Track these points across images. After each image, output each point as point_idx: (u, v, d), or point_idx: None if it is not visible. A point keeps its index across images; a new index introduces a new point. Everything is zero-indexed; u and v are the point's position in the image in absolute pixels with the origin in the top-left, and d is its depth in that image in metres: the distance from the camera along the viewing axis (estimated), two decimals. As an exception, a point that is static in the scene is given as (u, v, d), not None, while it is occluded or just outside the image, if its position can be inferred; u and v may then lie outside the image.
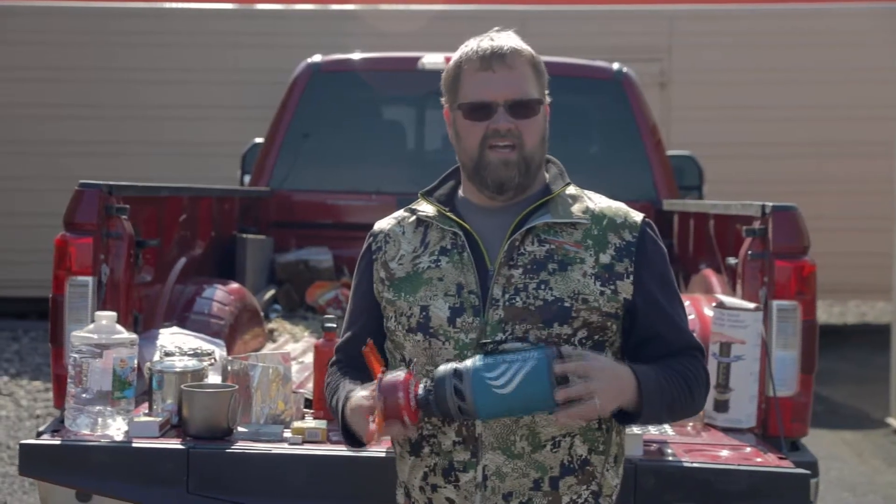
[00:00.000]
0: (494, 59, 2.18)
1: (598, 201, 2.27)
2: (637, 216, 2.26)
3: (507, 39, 2.23)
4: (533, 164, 2.22)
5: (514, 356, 2.03)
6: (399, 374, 2.07)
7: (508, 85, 2.18)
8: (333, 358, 2.40)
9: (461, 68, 2.22)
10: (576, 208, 2.23)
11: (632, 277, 2.19)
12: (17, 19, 10.03)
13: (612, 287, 2.17)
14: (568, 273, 2.16)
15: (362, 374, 2.27)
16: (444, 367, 2.06)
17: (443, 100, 2.29)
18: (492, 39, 2.22)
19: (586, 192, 2.30)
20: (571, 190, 2.27)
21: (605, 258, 2.19)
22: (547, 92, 2.26)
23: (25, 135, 9.93)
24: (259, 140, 6.21)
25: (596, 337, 2.18)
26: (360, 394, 2.15)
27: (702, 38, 9.93)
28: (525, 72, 2.21)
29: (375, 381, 2.08)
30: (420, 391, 2.05)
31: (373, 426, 2.05)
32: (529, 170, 2.21)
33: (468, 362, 2.04)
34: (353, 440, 2.22)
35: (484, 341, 2.09)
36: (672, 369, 2.17)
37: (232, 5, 10.33)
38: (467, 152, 2.22)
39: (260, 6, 10.34)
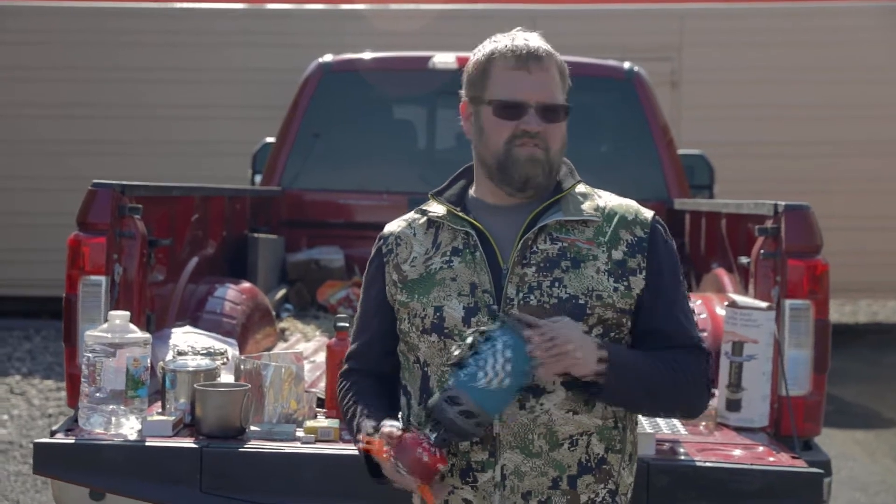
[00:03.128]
0: (532, 60, 2.17)
1: (608, 199, 2.28)
2: (647, 213, 2.27)
3: (539, 41, 2.22)
4: (555, 168, 2.22)
5: (483, 351, 2.03)
6: (406, 436, 2.05)
7: (542, 87, 2.18)
8: (345, 366, 2.37)
9: (493, 63, 2.20)
10: (587, 206, 2.23)
11: (644, 273, 2.19)
12: (25, 19, 10.05)
13: (626, 283, 2.18)
14: (581, 270, 2.16)
15: (377, 386, 2.28)
16: (435, 403, 2.05)
17: (462, 91, 2.26)
18: (526, 39, 2.20)
19: (596, 189, 2.30)
20: (581, 188, 2.27)
21: (617, 255, 2.19)
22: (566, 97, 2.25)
23: (33, 134, 9.94)
24: (270, 139, 6.22)
25: (612, 334, 2.17)
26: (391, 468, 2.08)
27: (713, 37, 9.91)
28: (555, 76, 2.20)
29: (388, 462, 2.06)
30: (432, 437, 2.05)
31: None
32: (552, 172, 2.22)
33: (450, 384, 2.04)
34: (378, 475, 2.17)
35: (452, 360, 2.07)
36: (657, 355, 2.16)
37: (240, 5, 10.34)
38: (491, 149, 2.21)
39: (268, 6, 10.35)
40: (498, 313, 2.13)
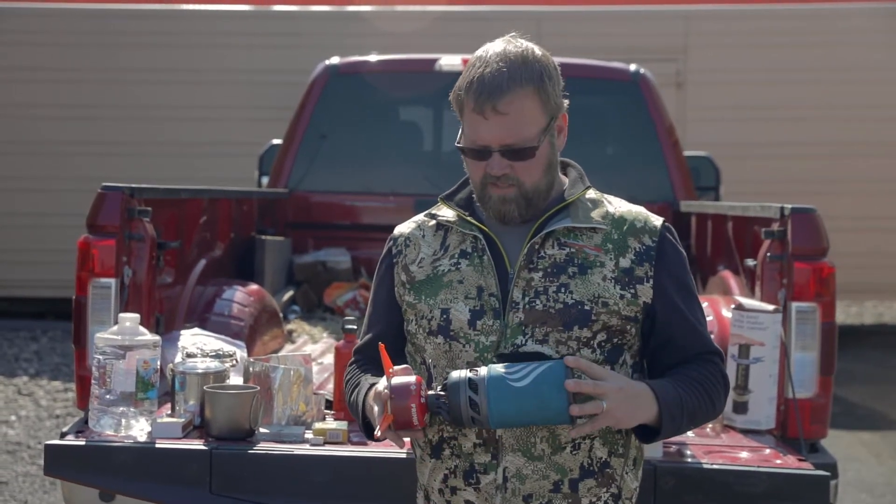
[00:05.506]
0: (487, 105, 2.12)
1: (617, 205, 2.27)
2: (657, 221, 2.26)
3: (508, 67, 2.13)
4: (537, 196, 2.20)
5: (531, 362, 2.06)
6: (410, 377, 2.08)
7: (502, 130, 2.13)
8: (352, 359, 2.41)
9: (463, 100, 2.17)
10: (596, 213, 2.23)
11: (651, 282, 2.19)
12: (36, 20, 10.08)
13: (632, 291, 2.18)
14: (588, 276, 2.17)
15: (381, 373, 2.29)
16: (458, 375, 2.07)
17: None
18: (494, 72, 2.13)
19: (606, 196, 2.30)
20: (591, 194, 2.27)
21: (624, 262, 2.19)
22: (567, 102, 2.22)
23: (40, 135, 9.96)
24: (277, 141, 6.23)
25: (615, 340, 2.18)
26: (379, 388, 2.15)
27: (718, 38, 9.91)
28: (523, 108, 2.13)
29: (386, 379, 2.10)
30: (430, 395, 2.07)
31: (378, 428, 2.08)
32: (531, 203, 2.20)
33: (483, 370, 2.06)
34: (372, 433, 2.22)
35: (502, 351, 2.11)
36: (690, 378, 2.18)
37: (246, 6, 10.36)
38: (473, 183, 2.24)
39: (274, 7, 10.36)
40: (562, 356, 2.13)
